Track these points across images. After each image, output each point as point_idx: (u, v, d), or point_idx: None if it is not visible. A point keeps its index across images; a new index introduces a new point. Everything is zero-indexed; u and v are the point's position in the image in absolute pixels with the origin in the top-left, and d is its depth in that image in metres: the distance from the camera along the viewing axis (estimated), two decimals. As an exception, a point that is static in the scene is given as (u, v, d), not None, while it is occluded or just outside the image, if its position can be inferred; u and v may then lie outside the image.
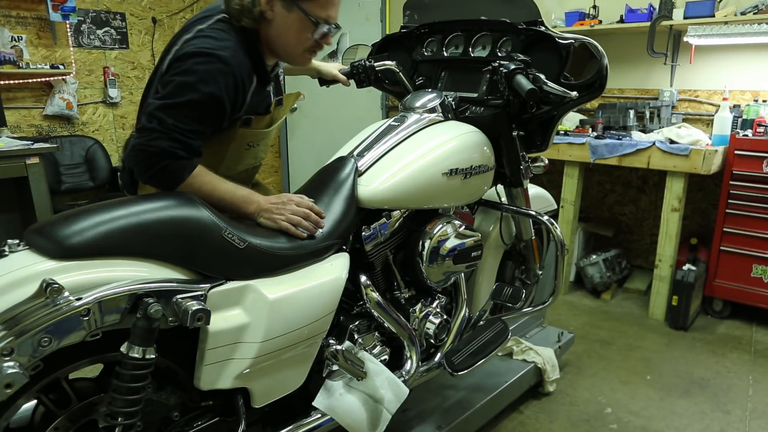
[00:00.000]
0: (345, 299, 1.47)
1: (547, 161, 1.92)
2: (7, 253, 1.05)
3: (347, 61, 2.00)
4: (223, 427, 1.31)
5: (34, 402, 1.14)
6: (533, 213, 1.86)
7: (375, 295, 1.54)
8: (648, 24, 3.34)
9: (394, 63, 1.92)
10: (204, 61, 1.30)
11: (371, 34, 4.60)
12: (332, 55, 4.52)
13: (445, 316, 1.73)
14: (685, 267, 3.07)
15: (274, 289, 1.25)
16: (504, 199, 1.93)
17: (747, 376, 2.58)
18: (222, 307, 1.18)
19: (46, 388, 1.09)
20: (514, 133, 1.76)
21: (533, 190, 2.11)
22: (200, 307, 1.09)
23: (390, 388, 1.51)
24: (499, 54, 1.77)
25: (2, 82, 3.77)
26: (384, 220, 1.57)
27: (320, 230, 1.39)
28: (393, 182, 1.50)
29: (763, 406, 2.34)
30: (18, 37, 3.84)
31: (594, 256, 3.55)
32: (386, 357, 1.62)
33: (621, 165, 3.16)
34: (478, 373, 2.11)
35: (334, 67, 1.93)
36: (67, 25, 4.04)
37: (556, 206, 2.29)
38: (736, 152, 2.99)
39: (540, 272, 2.09)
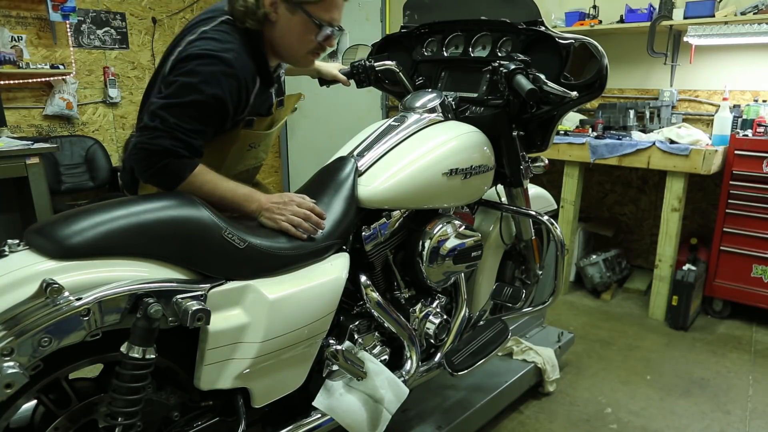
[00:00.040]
0: (345, 299, 1.47)
1: (547, 161, 1.92)
2: (7, 253, 1.06)
3: (347, 61, 2.00)
4: (223, 427, 1.31)
5: (34, 402, 1.14)
6: (533, 213, 1.86)
7: (375, 295, 1.54)
8: (648, 24, 3.34)
9: (394, 63, 1.92)
10: (207, 63, 1.30)
11: (371, 34, 4.60)
12: (332, 55, 4.52)
13: (445, 316, 1.73)
14: (685, 267, 3.07)
15: (274, 289, 1.25)
16: (504, 199, 1.93)
17: (747, 376, 2.58)
18: (222, 307, 1.18)
19: (46, 388, 1.09)
20: (514, 133, 1.76)
21: (533, 190, 2.11)
22: (200, 307, 1.09)
23: (390, 388, 1.51)
24: (499, 54, 1.77)
25: (2, 82, 3.77)
26: (384, 220, 1.57)
27: (320, 231, 1.39)
28: (393, 182, 1.50)
29: (763, 406, 2.34)
30: (18, 37, 3.84)
31: (594, 256, 3.55)
32: (386, 357, 1.62)
33: (621, 165, 3.16)
34: (478, 373, 2.11)
35: (334, 67, 1.93)
36: (67, 25, 4.04)
37: (556, 206, 2.29)
38: (736, 152, 2.99)
39: (540, 272, 2.09)
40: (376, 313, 1.55)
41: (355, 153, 1.58)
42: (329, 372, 1.46)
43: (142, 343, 1.05)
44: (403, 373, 1.63)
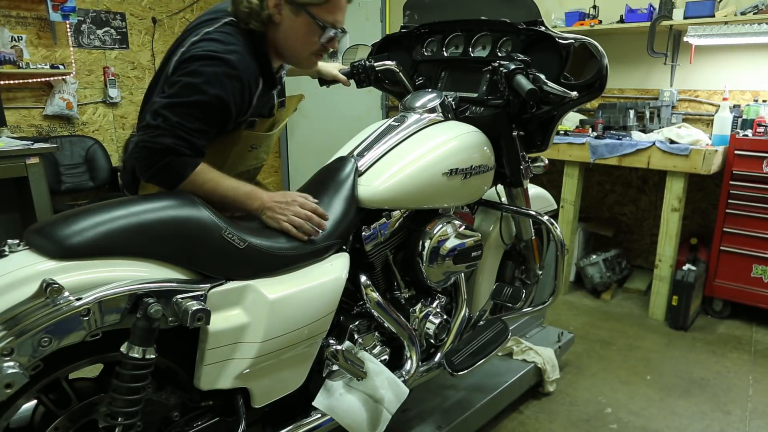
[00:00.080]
0: (345, 299, 1.47)
1: (547, 161, 1.92)
2: (7, 253, 1.06)
3: (347, 61, 2.00)
4: (223, 427, 1.31)
5: (34, 402, 1.14)
6: (533, 213, 1.86)
7: (375, 295, 1.54)
8: (648, 24, 3.34)
9: (394, 63, 1.92)
10: (210, 64, 1.30)
11: (371, 34, 4.60)
12: (332, 55, 4.51)
13: (445, 316, 1.73)
14: (685, 267, 3.07)
15: (274, 289, 1.25)
16: (504, 199, 1.93)
17: (747, 376, 2.58)
18: (222, 307, 1.18)
19: (46, 388, 1.09)
20: (514, 133, 1.76)
21: (533, 190, 2.11)
22: (200, 307, 1.09)
23: (390, 388, 1.51)
24: (499, 54, 1.77)
25: (2, 82, 3.77)
26: (384, 220, 1.57)
27: (321, 231, 1.39)
28: (393, 182, 1.50)
29: (763, 406, 2.34)
30: (18, 37, 3.84)
31: (594, 256, 3.55)
32: (386, 357, 1.62)
33: (621, 165, 3.16)
34: (478, 373, 2.11)
35: (334, 67, 1.93)
36: (67, 25, 4.04)
37: (556, 206, 2.29)
38: (736, 152, 2.99)
39: (540, 272, 2.09)
40: (376, 313, 1.55)
41: (355, 153, 1.58)
42: (329, 372, 1.46)
43: (142, 343, 1.05)
44: (403, 373, 1.63)
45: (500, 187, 1.91)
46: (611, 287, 3.56)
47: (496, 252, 2.00)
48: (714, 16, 3.15)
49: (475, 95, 1.79)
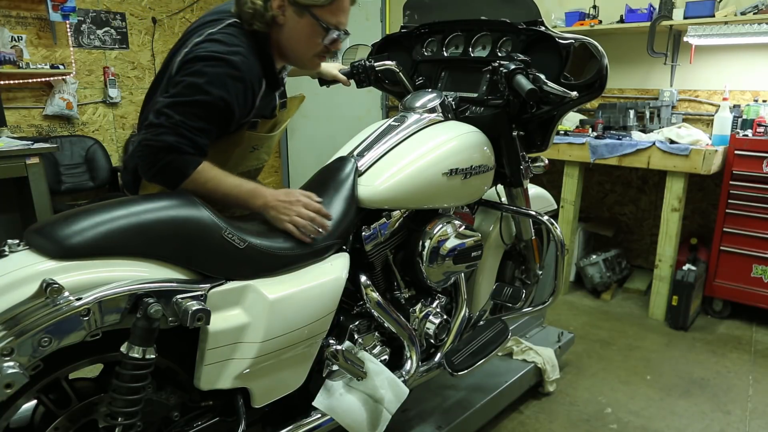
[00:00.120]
0: (345, 299, 1.47)
1: (547, 161, 1.92)
2: (7, 253, 1.06)
3: (347, 61, 2.00)
4: (223, 427, 1.31)
5: (34, 402, 1.14)
6: (533, 213, 1.86)
7: (375, 295, 1.54)
8: (648, 24, 3.34)
9: (394, 63, 1.92)
10: (214, 65, 1.30)
11: (371, 34, 4.60)
12: (332, 55, 4.52)
13: (445, 316, 1.73)
14: (685, 267, 3.07)
15: (274, 289, 1.25)
16: (504, 199, 1.93)
17: (747, 376, 2.58)
18: (222, 307, 1.18)
19: (46, 388, 1.09)
20: (514, 133, 1.76)
21: (533, 190, 2.11)
22: (200, 307, 1.09)
23: (390, 388, 1.51)
24: (499, 54, 1.77)
25: (2, 82, 3.77)
26: (384, 220, 1.57)
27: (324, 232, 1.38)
28: (393, 182, 1.50)
29: (763, 406, 2.34)
30: (18, 37, 3.84)
31: (594, 256, 3.54)
32: (386, 357, 1.62)
33: (621, 165, 3.16)
34: (478, 373, 2.11)
35: (334, 67, 1.93)
36: (67, 25, 4.04)
37: (556, 206, 2.29)
38: (736, 152, 2.99)
39: (540, 272, 2.09)
40: (376, 313, 1.55)
41: (355, 153, 1.58)
42: (329, 372, 1.46)
43: (142, 343, 1.05)
44: (403, 373, 1.63)
45: (500, 187, 1.91)
46: (611, 287, 3.56)
47: (496, 252, 2.00)
48: (714, 16, 3.15)
49: (475, 95, 1.79)
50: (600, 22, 3.58)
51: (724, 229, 3.08)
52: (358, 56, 2.05)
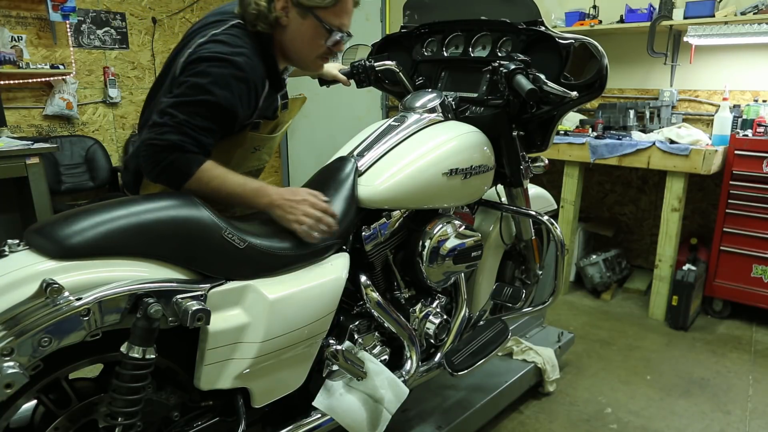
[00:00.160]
0: (345, 299, 1.47)
1: (547, 161, 1.92)
2: (7, 253, 1.06)
3: (347, 61, 2.00)
4: (223, 427, 1.31)
5: (34, 402, 1.14)
6: (533, 213, 1.86)
7: (375, 295, 1.54)
8: (648, 24, 3.34)
9: (394, 63, 1.92)
10: (218, 65, 1.30)
11: (371, 34, 4.60)
12: (333, 56, 4.52)
13: (445, 316, 1.73)
14: (685, 267, 3.07)
15: (274, 289, 1.25)
16: (504, 199, 1.93)
17: (747, 376, 2.58)
18: (222, 307, 1.18)
19: (46, 388, 1.09)
20: (514, 133, 1.76)
21: (533, 190, 2.11)
22: (200, 307, 1.09)
23: (390, 388, 1.51)
24: (499, 54, 1.77)
25: (2, 82, 3.77)
26: (384, 220, 1.57)
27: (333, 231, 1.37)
28: (393, 182, 1.50)
29: (763, 406, 2.34)
30: (18, 37, 3.84)
31: (594, 256, 3.55)
32: (386, 357, 1.62)
33: (621, 165, 3.16)
34: (478, 373, 2.11)
35: (334, 67, 1.93)
36: (67, 25, 4.04)
37: (556, 206, 2.29)
38: (736, 152, 2.99)
39: (540, 272, 2.09)
40: (376, 313, 1.55)
41: (355, 153, 1.58)
42: (329, 372, 1.46)
43: (142, 343, 1.05)
44: (403, 373, 1.63)
45: (500, 187, 1.91)
46: (611, 287, 3.56)
47: (496, 252, 2.00)
48: (714, 16, 3.15)
49: (475, 95, 1.79)
50: (600, 22, 3.58)
51: (724, 229, 3.09)
52: (358, 56, 2.05)
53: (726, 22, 3.10)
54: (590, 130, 3.42)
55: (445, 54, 1.92)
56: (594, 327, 3.09)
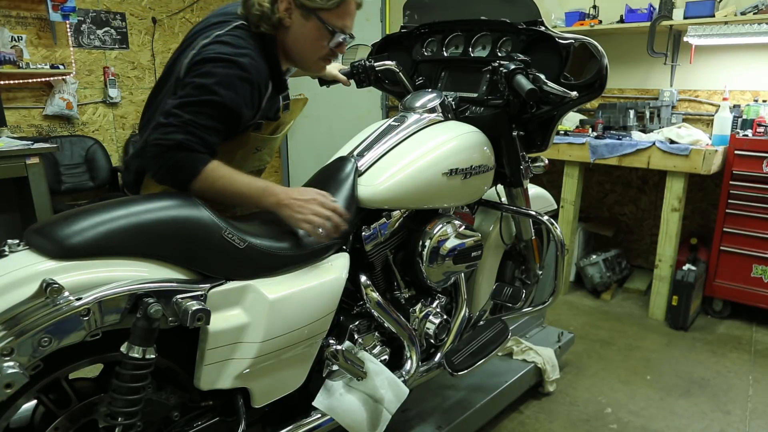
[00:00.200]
0: (345, 299, 1.47)
1: (547, 161, 1.92)
2: (7, 253, 1.06)
3: (347, 61, 2.00)
4: (223, 427, 1.31)
5: (34, 402, 1.14)
6: (533, 213, 1.86)
7: (375, 295, 1.54)
8: (648, 24, 3.34)
9: (394, 63, 1.92)
10: (223, 66, 1.30)
11: (371, 34, 4.60)
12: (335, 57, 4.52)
13: (445, 316, 1.73)
14: (685, 267, 3.07)
15: (274, 289, 1.25)
16: (504, 199, 1.93)
17: (747, 376, 2.58)
18: (222, 307, 1.18)
19: (46, 388, 1.09)
20: (514, 133, 1.76)
21: (533, 190, 2.11)
22: (200, 307, 1.09)
23: (390, 388, 1.51)
24: (499, 54, 1.77)
25: (2, 82, 3.77)
26: (384, 220, 1.57)
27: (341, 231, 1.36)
28: (393, 182, 1.50)
29: (763, 406, 2.34)
30: (18, 37, 3.84)
31: (594, 256, 3.54)
32: (386, 357, 1.62)
33: (621, 165, 3.16)
34: (478, 373, 2.11)
35: (334, 67, 1.93)
36: (67, 25, 4.04)
37: (556, 206, 2.29)
38: (736, 152, 2.99)
39: (540, 272, 2.09)
40: (376, 313, 1.55)
41: (355, 153, 1.58)
42: (329, 372, 1.46)
43: (142, 343, 1.05)
44: (403, 373, 1.63)
45: (500, 187, 1.91)
46: (611, 287, 3.56)
47: (496, 252, 2.00)
48: (714, 16, 3.15)
49: (475, 95, 1.79)
50: (600, 22, 3.58)
51: (724, 229, 3.08)
52: (358, 56, 2.05)
53: (726, 22, 3.10)
54: (590, 130, 3.42)
55: (445, 54, 1.92)
56: (594, 327, 3.09)
